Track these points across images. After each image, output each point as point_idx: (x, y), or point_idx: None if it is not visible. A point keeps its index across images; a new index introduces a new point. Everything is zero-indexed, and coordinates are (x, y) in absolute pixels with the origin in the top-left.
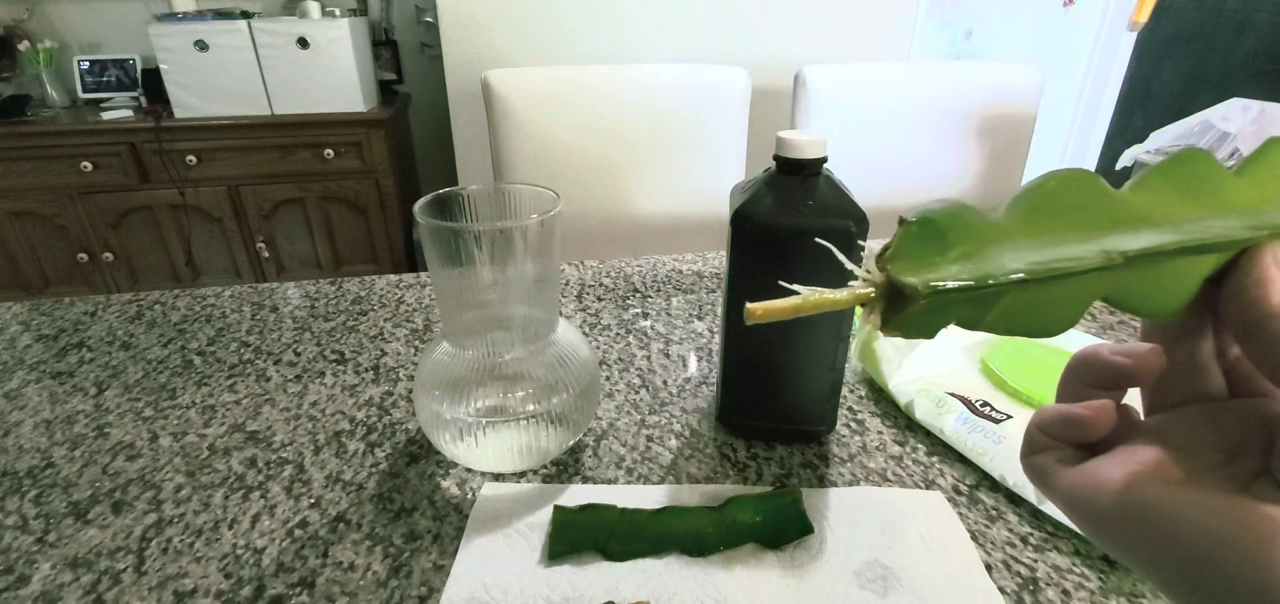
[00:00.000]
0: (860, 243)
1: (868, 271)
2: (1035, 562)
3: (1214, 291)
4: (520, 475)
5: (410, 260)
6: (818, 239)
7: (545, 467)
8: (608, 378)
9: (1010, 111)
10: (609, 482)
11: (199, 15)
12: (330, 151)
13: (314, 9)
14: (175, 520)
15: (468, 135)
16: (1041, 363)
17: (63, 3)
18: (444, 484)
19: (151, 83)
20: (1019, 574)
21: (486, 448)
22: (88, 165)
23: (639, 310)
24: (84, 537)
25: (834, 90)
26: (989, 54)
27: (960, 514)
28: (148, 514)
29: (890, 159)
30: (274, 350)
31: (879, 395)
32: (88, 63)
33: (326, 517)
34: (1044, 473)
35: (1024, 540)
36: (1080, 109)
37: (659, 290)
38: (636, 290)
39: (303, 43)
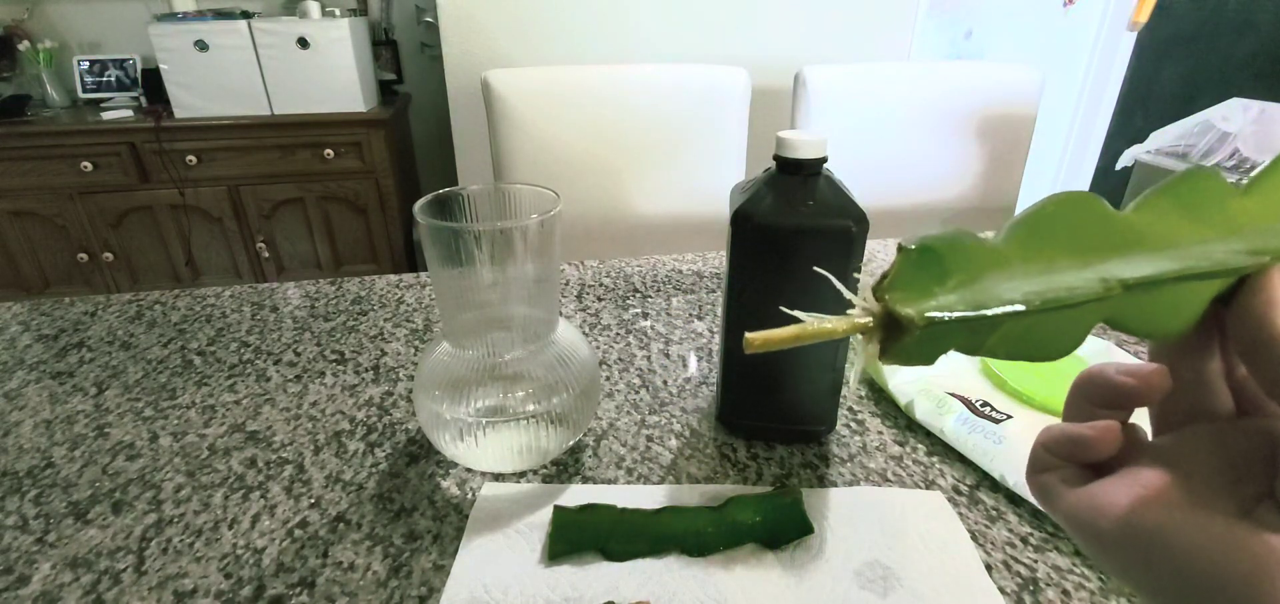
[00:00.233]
0: (861, 245)
1: (865, 300)
2: (1035, 562)
3: (1222, 310)
4: (520, 475)
5: (410, 260)
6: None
7: (545, 467)
8: (608, 378)
9: (1010, 111)
10: (609, 482)
11: (199, 15)
12: (330, 151)
13: (314, 9)
14: (175, 520)
15: (468, 135)
16: (1043, 364)
17: (63, 3)
18: (444, 484)
19: (151, 83)
20: (1019, 574)
21: (486, 448)
22: (88, 165)
23: (639, 310)
24: (84, 537)
25: (834, 90)
26: (989, 54)
27: (960, 514)
28: (148, 514)
29: (890, 159)
30: (274, 350)
31: (879, 395)
32: (88, 63)
33: (326, 517)
34: (1048, 492)
35: (1024, 540)
36: (1080, 109)
37: (659, 290)
38: (636, 290)
39: (303, 43)
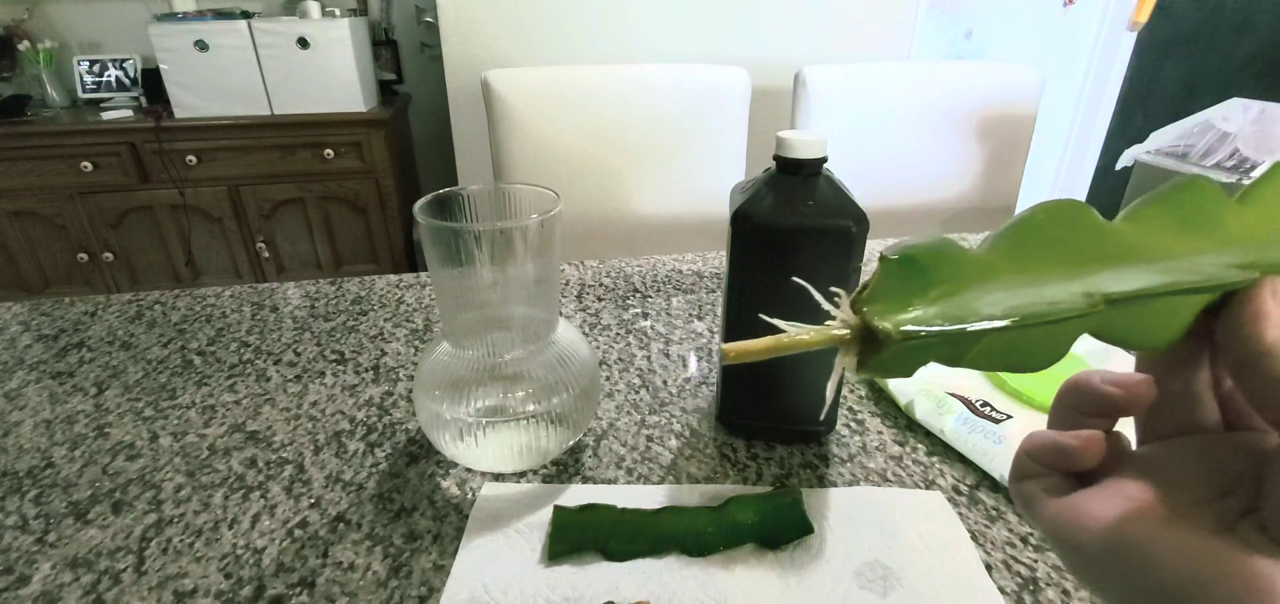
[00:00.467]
0: (861, 245)
1: (843, 312)
2: (1035, 562)
3: (1211, 322)
4: (520, 475)
5: (410, 260)
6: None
7: (545, 467)
8: (608, 378)
9: (1010, 111)
10: (609, 482)
11: (199, 15)
12: (330, 151)
13: (314, 9)
14: (175, 520)
15: (468, 135)
16: None
17: (63, 3)
18: (444, 484)
19: (151, 83)
20: (1019, 574)
21: (486, 448)
22: (88, 165)
23: (639, 310)
24: (84, 537)
25: (834, 90)
26: (989, 54)
27: (960, 514)
28: (148, 514)
29: (890, 159)
30: (274, 350)
31: (879, 395)
32: (88, 63)
33: (326, 517)
34: (1030, 501)
35: (1024, 540)
36: (1080, 109)
37: (659, 290)
38: (636, 290)
39: (303, 43)
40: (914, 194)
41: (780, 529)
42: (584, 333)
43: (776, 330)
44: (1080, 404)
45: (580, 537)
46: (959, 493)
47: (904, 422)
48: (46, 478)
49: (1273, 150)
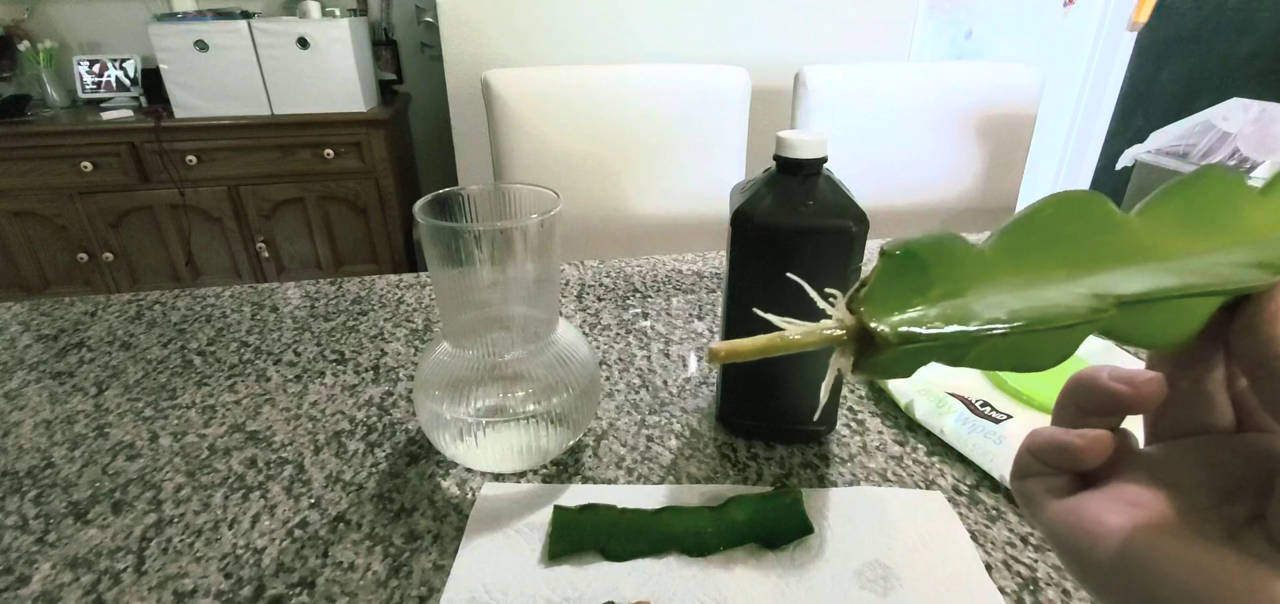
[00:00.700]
0: (861, 245)
1: (839, 311)
2: (1035, 562)
3: (1227, 319)
4: (520, 475)
5: (410, 260)
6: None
7: (545, 467)
8: (608, 378)
9: (1010, 111)
10: (609, 482)
11: (199, 15)
12: (330, 151)
13: (314, 9)
14: (175, 520)
15: (468, 135)
16: None
17: (63, 3)
18: (444, 484)
19: (151, 83)
20: (1019, 574)
21: (486, 448)
22: (88, 165)
23: (639, 310)
24: (84, 537)
25: (834, 90)
26: (989, 54)
27: (960, 514)
28: (148, 514)
29: (890, 159)
30: (274, 350)
31: (879, 395)
32: (88, 63)
33: (326, 517)
34: (1031, 500)
35: (1024, 540)
36: (1080, 109)
37: (659, 290)
38: (636, 290)
39: (303, 43)
40: (914, 194)
41: (780, 529)
42: (584, 333)
43: (773, 328)
44: (1086, 402)
45: (580, 537)
46: (959, 493)
47: (904, 422)
48: (46, 478)
49: (1273, 150)
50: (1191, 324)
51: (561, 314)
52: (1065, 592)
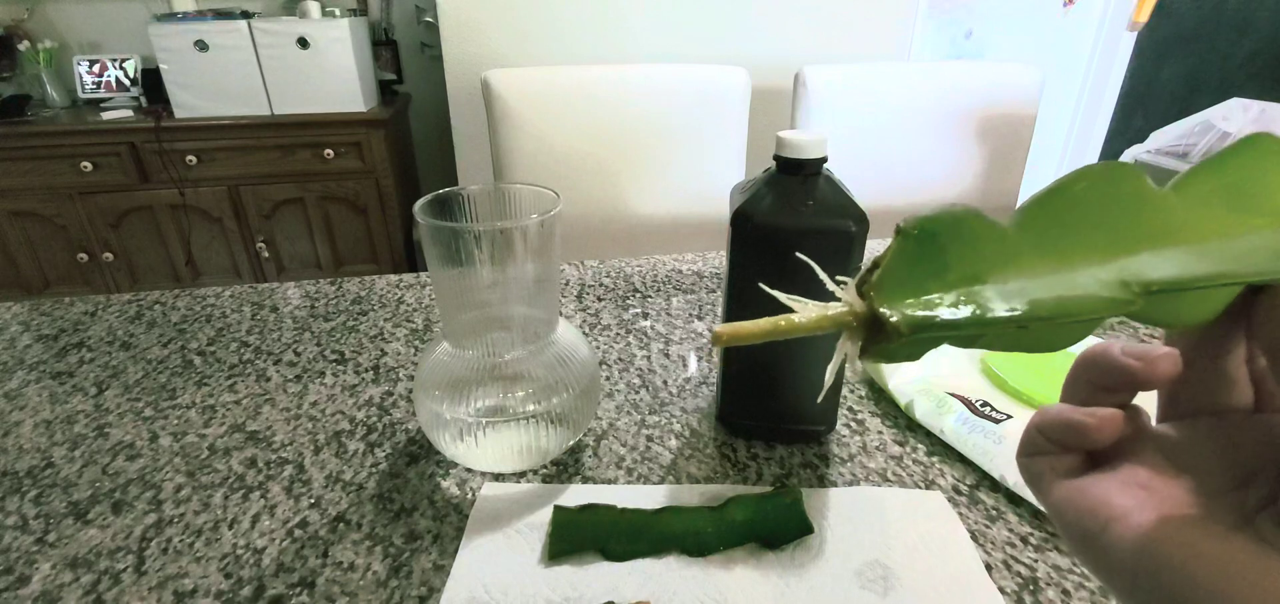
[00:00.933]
0: (861, 245)
1: (848, 297)
2: (1035, 562)
3: (1250, 299)
4: (520, 475)
5: (410, 260)
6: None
7: (545, 467)
8: (608, 378)
9: (1010, 111)
10: (609, 482)
11: (199, 15)
12: (330, 151)
13: (314, 9)
14: (175, 520)
15: (468, 135)
16: (1044, 363)
17: (63, 3)
18: (444, 484)
19: (151, 83)
20: (1019, 574)
21: (486, 448)
22: (88, 165)
23: (639, 310)
24: (84, 537)
25: (834, 90)
26: (989, 54)
27: (960, 514)
28: (148, 514)
29: (890, 159)
30: (274, 350)
31: (879, 395)
32: (88, 63)
33: (326, 517)
34: (1039, 478)
35: (1024, 540)
36: (1080, 109)
37: (659, 290)
38: (636, 290)
39: (303, 43)
40: (914, 194)
41: (780, 529)
42: (584, 333)
43: (779, 307)
44: (1098, 377)
45: (580, 537)
46: (959, 493)
47: (904, 422)
48: (46, 478)
49: None
50: (1215, 306)
51: (561, 314)
52: (1065, 592)
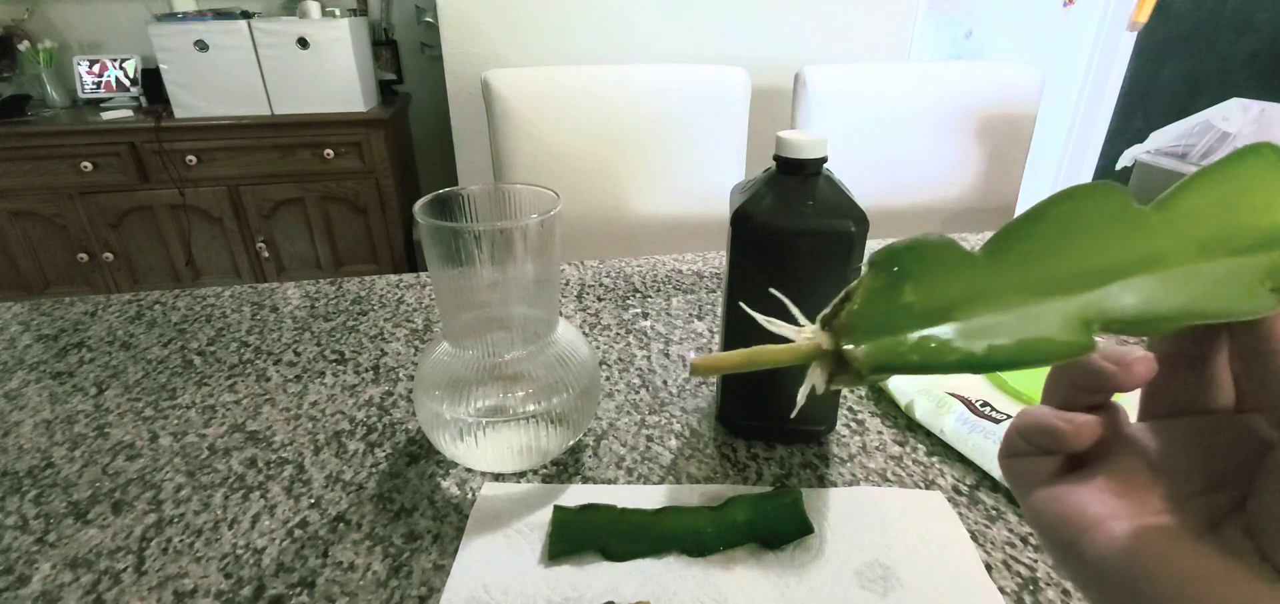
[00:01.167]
0: (861, 245)
1: (816, 332)
2: (1035, 562)
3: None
4: (520, 475)
5: (410, 260)
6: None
7: (545, 467)
8: (608, 378)
9: (1010, 111)
10: (609, 482)
11: (199, 15)
12: (330, 151)
13: (314, 9)
14: (175, 520)
15: (468, 135)
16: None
17: (63, 3)
18: (444, 484)
19: (151, 83)
20: (1019, 574)
21: (486, 448)
22: (88, 165)
23: (639, 310)
24: (84, 537)
25: (834, 90)
26: (989, 54)
27: (960, 514)
28: (148, 514)
29: (890, 159)
30: (274, 350)
31: (879, 395)
32: (88, 63)
33: (326, 517)
34: (1018, 480)
35: (1024, 540)
36: (1080, 109)
37: (659, 290)
38: (636, 290)
39: (303, 43)
40: (914, 194)
41: (780, 529)
42: (584, 333)
43: (766, 330)
44: (1075, 377)
45: (580, 537)
46: (959, 493)
47: (904, 422)
48: (46, 478)
49: None
50: (1179, 327)
51: (561, 314)
52: (1065, 592)
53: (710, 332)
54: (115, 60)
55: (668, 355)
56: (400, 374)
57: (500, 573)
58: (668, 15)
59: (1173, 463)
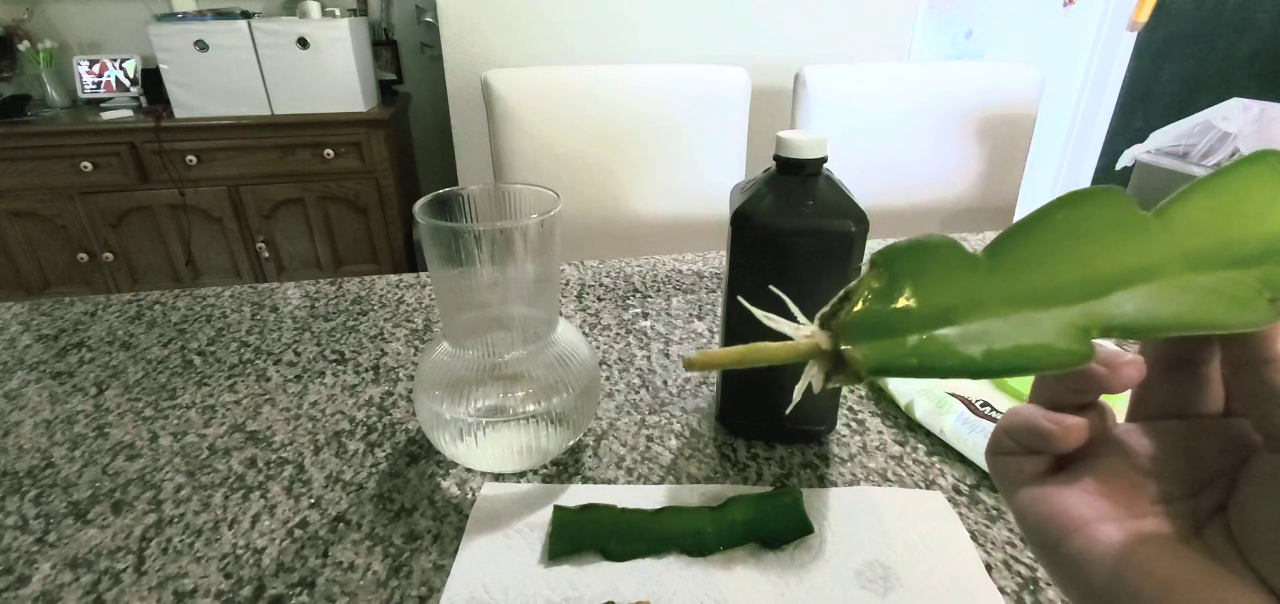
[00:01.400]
0: (861, 245)
1: (815, 331)
2: (1035, 562)
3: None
4: (520, 475)
5: (410, 260)
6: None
7: (545, 467)
8: (608, 378)
9: (1010, 111)
10: (609, 482)
11: (199, 15)
12: (330, 151)
13: (314, 9)
14: (175, 520)
15: (468, 135)
16: None
17: (63, 3)
18: (444, 484)
19: (151, 83)
20: (1019, 574)
21: (486, 448)
22: (88, 165)
23: (639, 310)
24: (84, 537)
25: (834, 90)
26: (989, 54)
27: (960, 514)
28: (148, 514)
29: (890, 159)
30: (274, 350)
31: (879, 395)
32: (88, 63)
33: (326, 517)
34: (1004, 478)
35: (1024, 540)
36: (1080, 109)
37: (659, 290)
38: (636, 290)
39: (303, 43)
40: (914, 194)
41: (780, 529)
42: (584, 333)
43: (765, 330)
44: (1065, 378)
45: (580, 537)
46: (959, 493)
47: (904, 422)
48: (46, 478)
49: None
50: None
51: (561, 314)
52: None
53: (710, 331)
54: (115, 60)
55: (668, 355)
56: (400, 374)
57: (500, 573)
58: (667, 15)
59: (1159, 465)
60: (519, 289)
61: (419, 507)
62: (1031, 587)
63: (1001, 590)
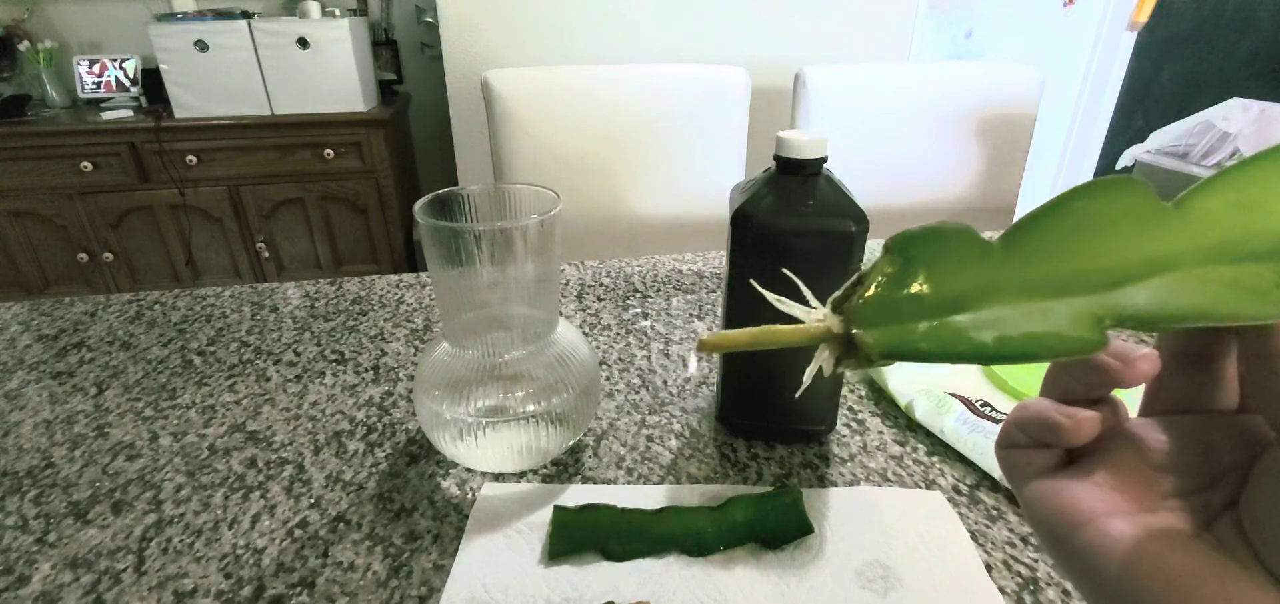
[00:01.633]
0: (861, 245)
1: (829, 317)
2: (1035, 562)
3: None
4: (520, 475)
5: (410, 260)
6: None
7: (545, 467)
8: (608, 378)
9: (1010, 111)
10: (609, 482)
11: (199, 15)
12: (330, 151)
13: (314, 9)
14: (175, 520)
15: (468, 135)
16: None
17: (63, 3)
18: (444, 484)
19: (151, 83)
20: (1019, 574)
21: (486, 448)
22: (88, 165)
23: (639, 310)
24: (84, 537)
25: (834, 90)
26: (989, 54)
27: (960, 514)
28: (148, 514)
29: (890, 159)
30: (274, 350)
31: (879, 395)
32: (88, 63)
33: (326, 517)
34: (1014, 471)
35: (1024, 541)
36: (1080, 109)
37: (659, 290)
38: (636, 290)
39: (303, 43)
40: (914, 194)
41: (780, 529)
42: (584, 333)
43: (775, 312)
44: (1076, 371)
45: (580, 537)
46: (959, 493)
47: (904, 422)
48: (46, 478)
49: None
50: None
51: (561, 314)
52: (1065, 592)
53: (710, 331)
54: (115, 60)
55: (668, 355)
56: (400, 374)
57: (500, 573)
58: (667, 15)
59: (1170, 460)
60: (519, 289)
61: (419, 507)
62: (1031, 587)
63: (1001, 590)
